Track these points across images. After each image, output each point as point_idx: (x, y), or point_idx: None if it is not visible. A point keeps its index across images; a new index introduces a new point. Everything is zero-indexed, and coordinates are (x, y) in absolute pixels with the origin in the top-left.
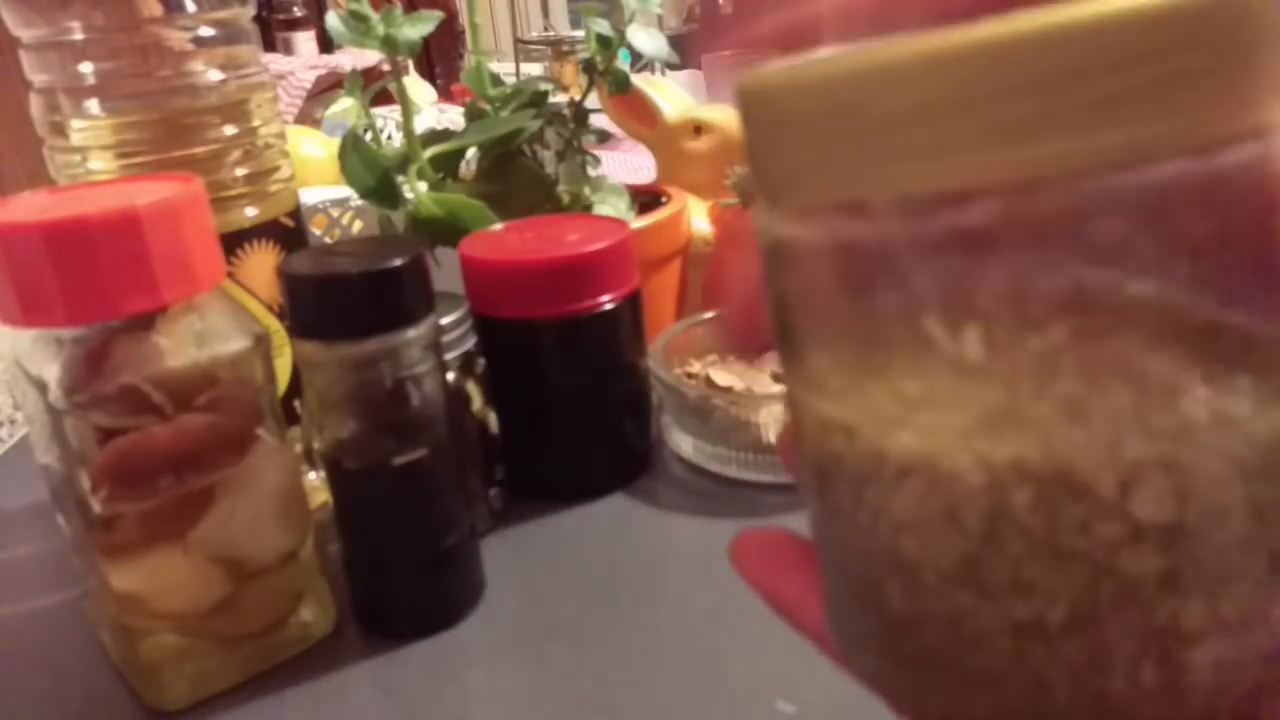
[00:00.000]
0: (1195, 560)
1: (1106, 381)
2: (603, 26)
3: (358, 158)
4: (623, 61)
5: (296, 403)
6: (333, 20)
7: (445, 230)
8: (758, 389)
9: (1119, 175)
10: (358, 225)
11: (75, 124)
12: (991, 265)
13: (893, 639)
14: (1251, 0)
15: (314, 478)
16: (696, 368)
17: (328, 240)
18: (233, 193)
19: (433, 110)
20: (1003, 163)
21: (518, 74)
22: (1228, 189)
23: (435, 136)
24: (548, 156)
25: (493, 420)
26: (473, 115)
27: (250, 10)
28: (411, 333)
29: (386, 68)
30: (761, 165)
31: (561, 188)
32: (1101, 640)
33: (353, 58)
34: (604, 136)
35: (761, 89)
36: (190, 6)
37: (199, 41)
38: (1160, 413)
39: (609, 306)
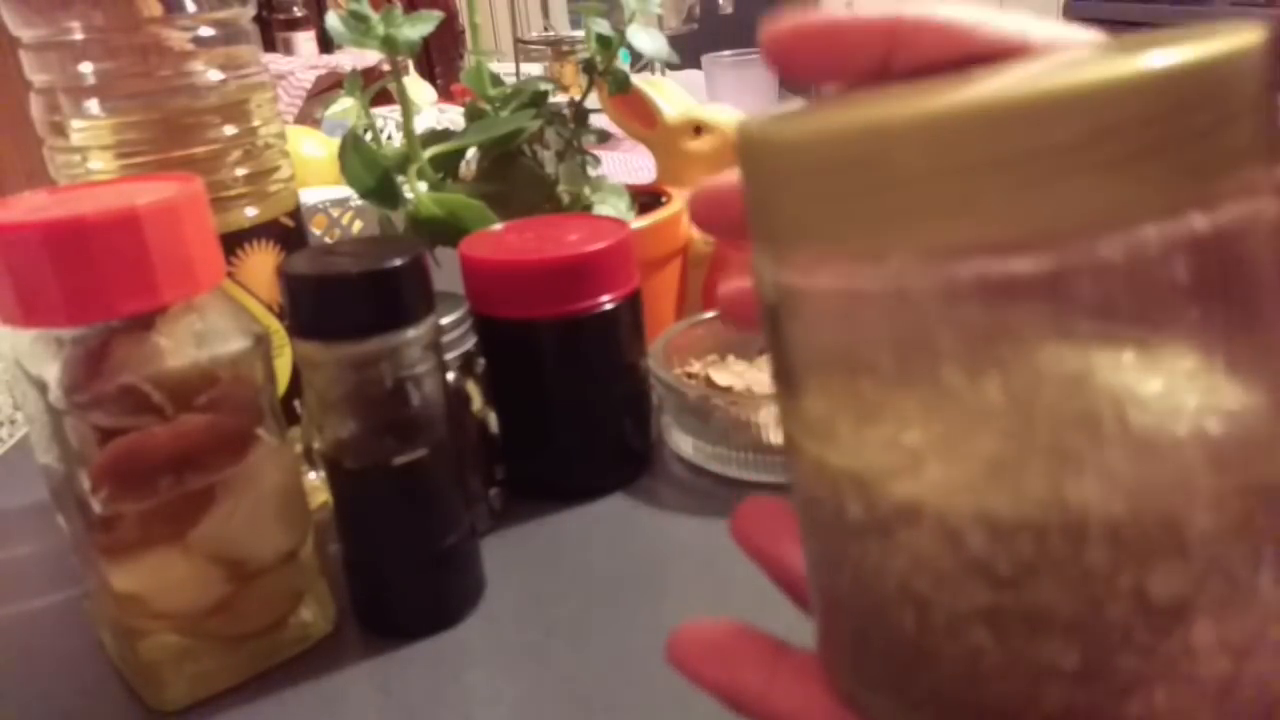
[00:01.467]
0: (1202, 585)
1: (1109, 428)
2: (603, 26)
3: (358, 158)
4: (623, 61)
5: (296, 403)
6: (333, 20)
7: (445, 230)
8: (758, 389)
9: (1125, 232)
10: (358, 225)
11: (75, 124)
12: (1013, 314)
13: (901, 678)
14: (1235, 65)
15: (314, 478)
16: (696, 368)
17: (328, 240)
18: (233, 193)
19: (433, 110)
20: (1027, 216)
21: (518, 74)
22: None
23: (435, 136)
24: (548, 156)
25: (493, 420)
26: (473, 115)
27: (250, 10)
28: (411, 333)
29: (386, 68)
30: (766, 215)
31: (561, 188)
32: (1115, 671)
33: (353, 58)
34: (604, 136)
35: (770, 141)
36: (190, 6)
37: (199, 41)
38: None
39: (609, 306)
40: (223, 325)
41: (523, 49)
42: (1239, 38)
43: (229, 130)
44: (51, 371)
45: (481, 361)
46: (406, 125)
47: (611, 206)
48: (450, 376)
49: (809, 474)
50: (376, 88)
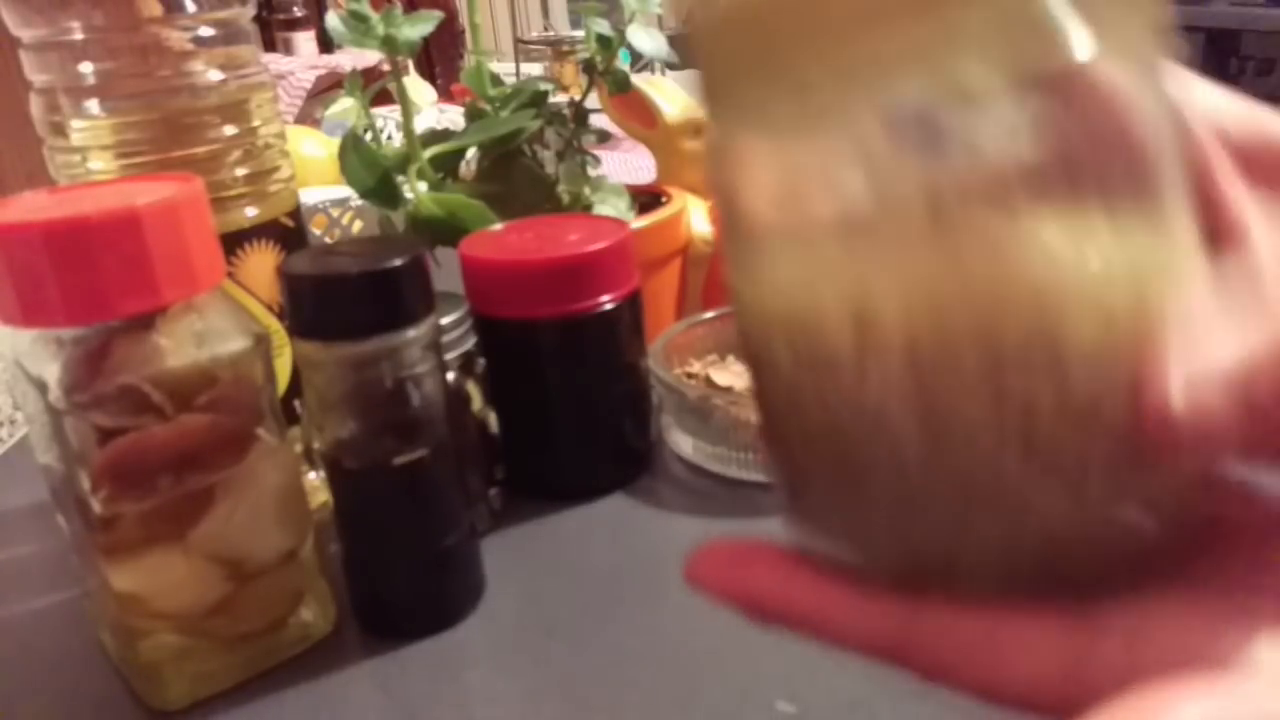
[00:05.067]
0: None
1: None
2: (603, 26)
3: (358, 158)
4: (623, 61)
5: (296, 403)
6: (333, 20)
7: (445, 230)
8: None
9: None
10: (358, 225)
11: (75, 124)
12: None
13: (850, 510)
14: None
15: (314, 478)
16: (696, 368)
17: (328, 240)
18: (233, 193)
19: (433, 110)
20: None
21: (518, 74)
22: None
23: (435, 136)
24: (548, 156)
25: (493, 420)
26: (473, 115)
27: (250, 10)
28: (411, 333)
29: (386, 68)
30: (718, 75)
31: (561, 188)
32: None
33: (353, 58)
34: (604, 136)
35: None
36: (190, 6)
37: (199, 41)
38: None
39: (609, 306)
40: (223, 325)
41: (523, 49)
42: None
43: (229, 130)
44: (51, 371)
45: (481, 361)
46: (406, 125)
47: (611, 206)
48: (450, 376)
49: (753, 320)
50: (376, 88)
